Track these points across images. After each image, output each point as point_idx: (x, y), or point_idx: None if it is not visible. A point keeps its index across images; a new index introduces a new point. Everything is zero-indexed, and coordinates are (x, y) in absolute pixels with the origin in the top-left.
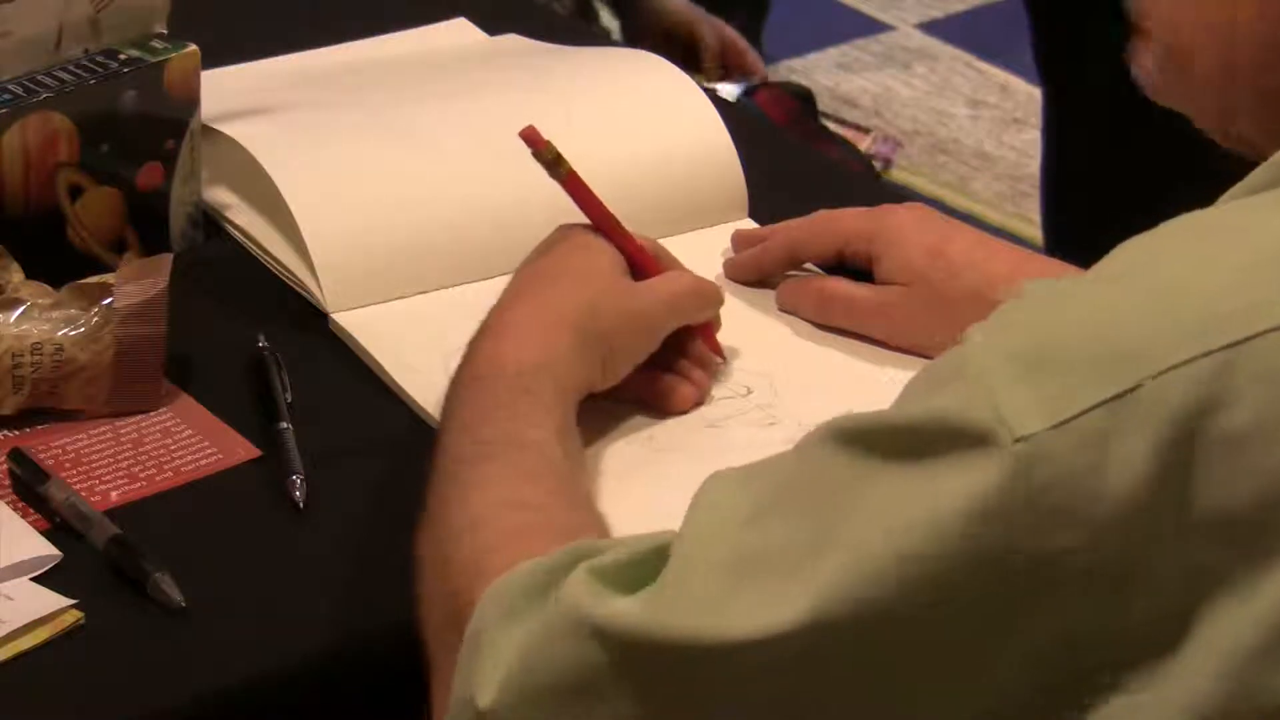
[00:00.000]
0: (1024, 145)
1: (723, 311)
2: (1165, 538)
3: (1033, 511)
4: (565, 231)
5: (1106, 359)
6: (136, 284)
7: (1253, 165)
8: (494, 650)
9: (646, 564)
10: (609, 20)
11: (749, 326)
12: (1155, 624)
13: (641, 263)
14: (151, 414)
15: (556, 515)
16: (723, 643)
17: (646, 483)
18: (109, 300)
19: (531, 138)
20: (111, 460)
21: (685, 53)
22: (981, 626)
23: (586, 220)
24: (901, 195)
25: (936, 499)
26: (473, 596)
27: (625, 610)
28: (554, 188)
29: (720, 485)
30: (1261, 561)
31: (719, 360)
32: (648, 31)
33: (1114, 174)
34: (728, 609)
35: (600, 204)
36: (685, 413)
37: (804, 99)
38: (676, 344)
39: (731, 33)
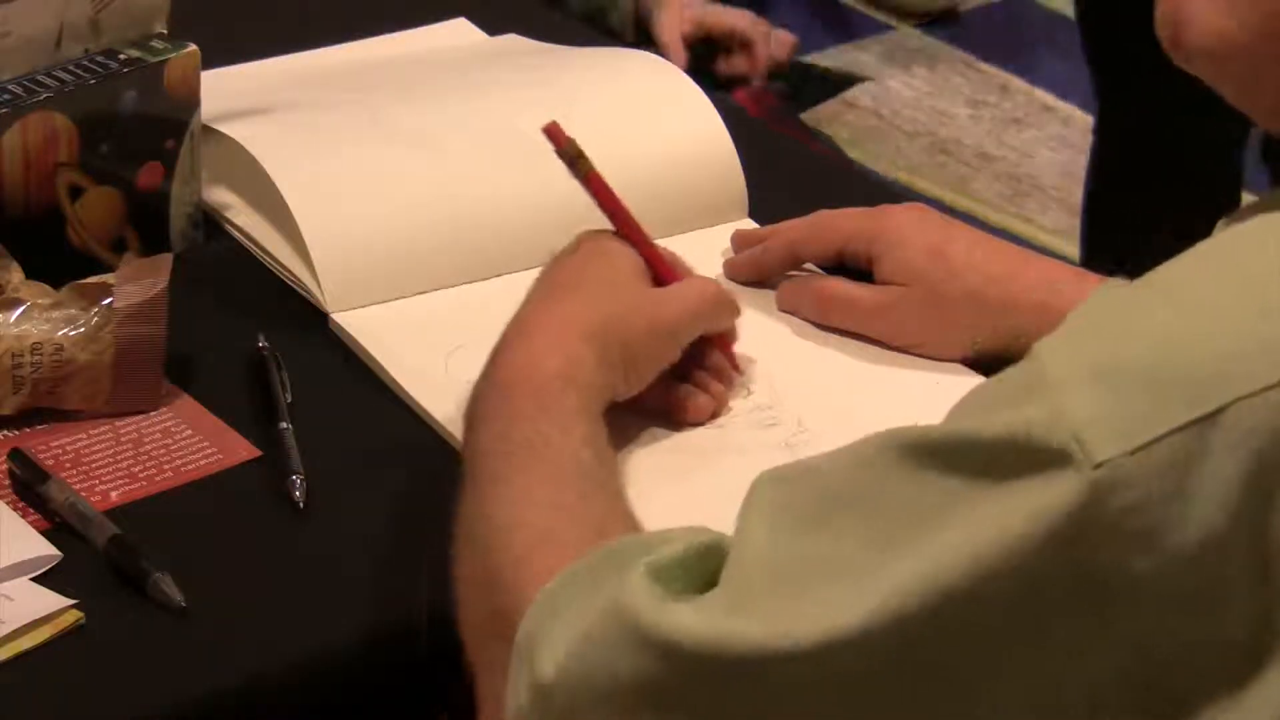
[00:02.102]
0: (1024, 145)
1: None
2: (1244, 565)
3: (1110, 536)
4: (587, 237)
5: (1189, 379)
6: (136, 284)
7: None
8: (549, 643)
9: (702, 563)
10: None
11: (749, 327)
12: (1229, 655)
13: (660, 268)
14: (151, 414)
15: (591, 517)
16: (784, 652)
17: (652, 482)
18: (109, 300)
19: (554, 133)
20: (111, 460)
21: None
22: (1053, 647)
23: (586, 219)
24: (901, 195)
25: (1011, 518)
26: (515, 603)
27: (685, 620)
28: (554, 187)
29: (774, 488)
30: None
31: (737, 373)
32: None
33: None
34: (789, 616)
35: (621, 205)
36: (701, 424)
37: (785, 98)
38: (694, 355)
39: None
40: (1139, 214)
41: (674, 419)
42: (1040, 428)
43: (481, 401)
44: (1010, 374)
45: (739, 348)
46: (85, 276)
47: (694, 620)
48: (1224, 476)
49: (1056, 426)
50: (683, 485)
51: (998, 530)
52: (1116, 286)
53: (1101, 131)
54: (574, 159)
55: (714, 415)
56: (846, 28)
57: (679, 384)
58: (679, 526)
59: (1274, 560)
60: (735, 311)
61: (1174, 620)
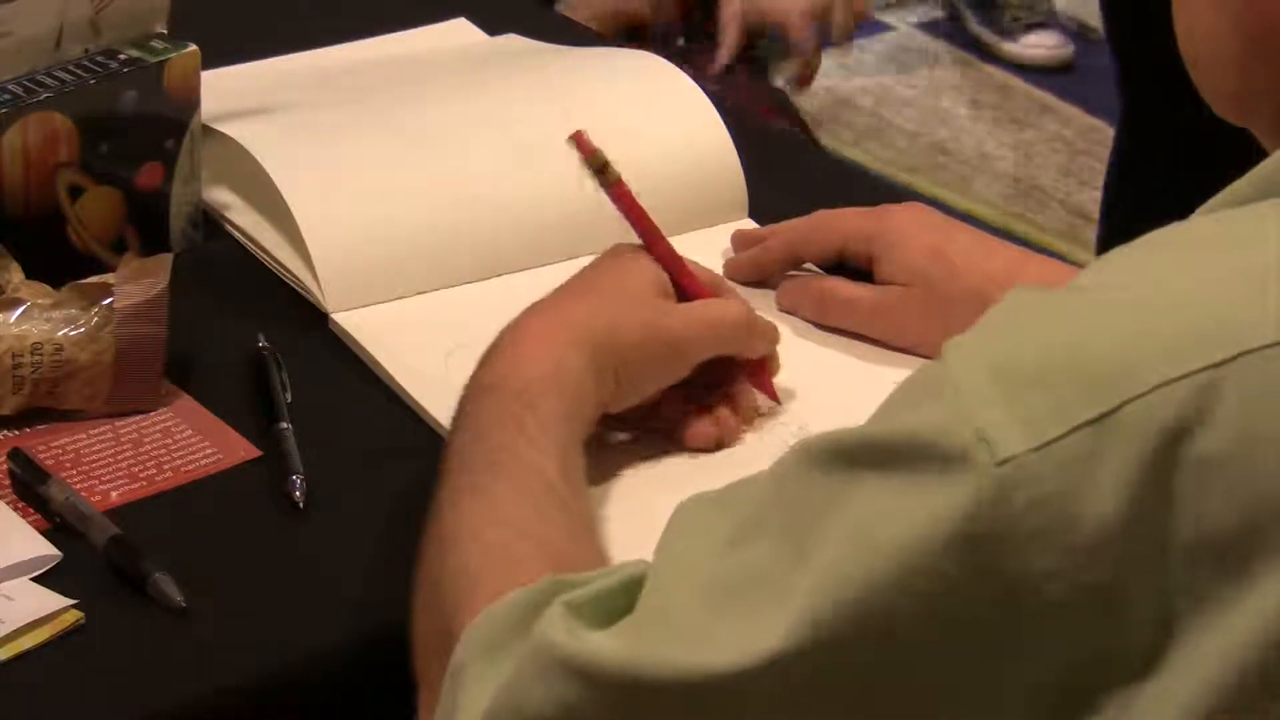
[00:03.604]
0: (1024, 145)
1: None
2: (1147, 560)
3: (1013, 535)
4: (613, 250)
5: (1089, 378)
6: (136, 284)
7: None
8: (475, 686)
9: (621, 595)
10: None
11: None
12: (1135, 648)
13: (687, 285)
14: (151, 414)
15: (547, 540)
16: (705, 674)
17: (648, 495)
18: (109, 300)
19: (581, 143)
20: (111, 460)
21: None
22: (966, 651)
23: (586, 219)
24: (901, 195)
25: (913, 518)
26: (459, 623)
27: (601, 646)
28: (554, 187)
29: (694, 511)
30: (1239, 586)
31: (767, 403)
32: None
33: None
34: (708, 639)
35: (646, 217)
36: (704, 450)
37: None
38: (717, 378)
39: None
40: (1159, 220)
41: (675, 440)
42: (943, 426)
43: (465, 404)
44: (918, 374)
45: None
46: (85, 276)
47: (607, 646)
48: (1122, 474)
49: (959, 425)
50: (679, 495)
51: (901, 531)
52: (1029, 289)
53: (1126, 134)
54: (600, 169)
55: (720, 445)
56: None
57: (687, 405)
58: (616, 564)
59: (1172, 558)
60: (768, 339)
61: (1079, 619)
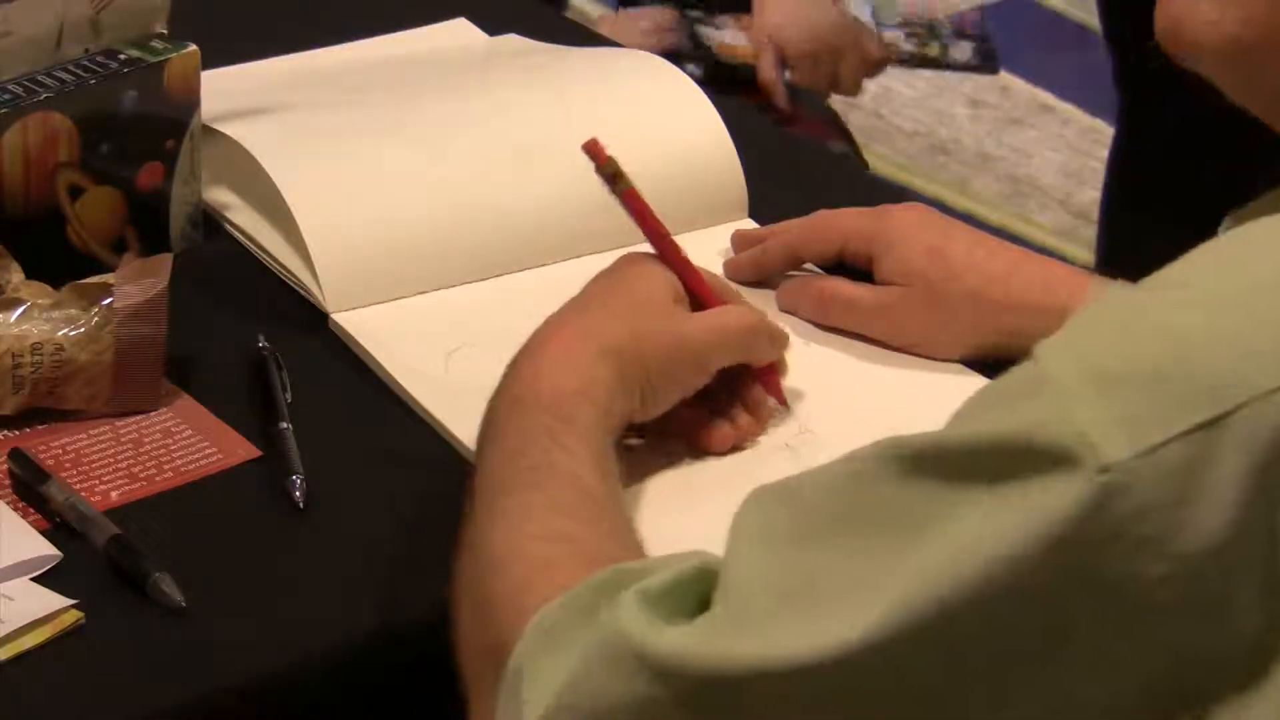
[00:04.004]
0: (1024, 145)
1: None
2: (1256, 566)
3: (1118, 541)
4: (626, 258)
5: (1197, 381)
6: (136, 284)
7: None
8: (540, 678)
9: (693, 587)
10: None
11: None
12: (1237, 660)
13: (700, 293)
14: (151, 414)
15: (591, 546)
16: (789, 666)
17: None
18: (109, 300)
19: (593, 151)
20: (111, 460)
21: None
22: (1061, 655)
23: (586, 218)
24: (901, 195)
25: (1014, 520)
26: (510, 635)
27: (681, 641)
28: (554, 187)
29: (764, 505)
30: None
31: (779, 407)
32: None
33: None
34: (793, 634)
35: (659, 225)
36: (722, 454)
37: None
38: (731, 384)
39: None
40: (1161, 214)
41: (696, 447)
42: (1043, 430)
43: (494, 417)
44: (1011, 376)
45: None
46: (85, 276)
47: (689, 642)
48: (1231, 480)
49: (1060, 428)
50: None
51: (1000, 536)
52: (1122, 288)
53: (1126, 129)
54: (613, 177)
55: (738, 448)
56: None
57: (706, 411)
58: (672, 553)
59: None
60: (780, 343)
61: (1186, 627)
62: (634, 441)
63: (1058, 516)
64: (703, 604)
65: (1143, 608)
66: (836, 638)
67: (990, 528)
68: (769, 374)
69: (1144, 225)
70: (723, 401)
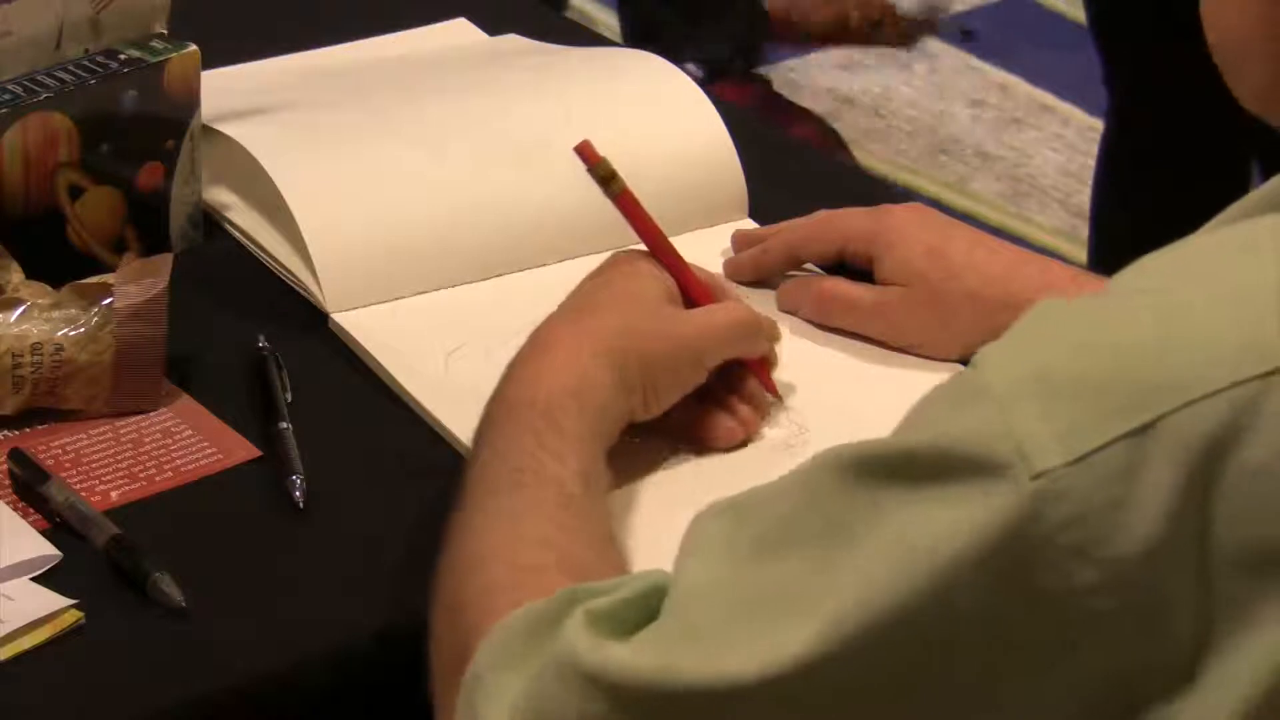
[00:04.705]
0: (1024, 145)
1: None
2: (1189, 571)
3: (1053, 549)
4: (618, 257)
5: (1128, 389)
6: (136, 284)
7: None
8: (492, 698)
9: (642, 605)
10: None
11: None
12: (1176, 659)
13: (693, 291)
14: (151, 414)
15: (568, 554)
16: (734, 684)
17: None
18: (109, 300)
19: (586, 152)
20: (111, 460)
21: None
22: (1001, 664)
23: (586, 219)
24: (901, 195)
25: (951, 530)
26: (477, 639)
27: (625, 658)
28: (554, 187)
29: (713, 522)
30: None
31: (772, 399)
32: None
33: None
34: (737, 649)
35: (653, 225)
36: (728, 450)
37: (762, 82)
38: (729, 379)
39: None
40: (1149, 215)
41: (701, 444)
42: (979, 438)
43: (487, 419)
44: (952, 383)
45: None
46: (85, 276)
47: (631, 657)
48: (1162, 486)
49: (996, 437)
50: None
51: (937, 544)
52: (1060, 299)
53: (1114, 130)
54: (606, 179)
55: (745, 442)
56: None
57: (709, 408)
58: (634, 572)
59: (1214, 568)
60: (772, 336)
61: (1120, 631)
62: (635, 441)
63: (992, 526)
64: (652, 620)
65: (1078, 616)
66: (775, 653)
67: (927, 538)
68: (760, 367)
69: (1134, 221)
70: (722, 397)
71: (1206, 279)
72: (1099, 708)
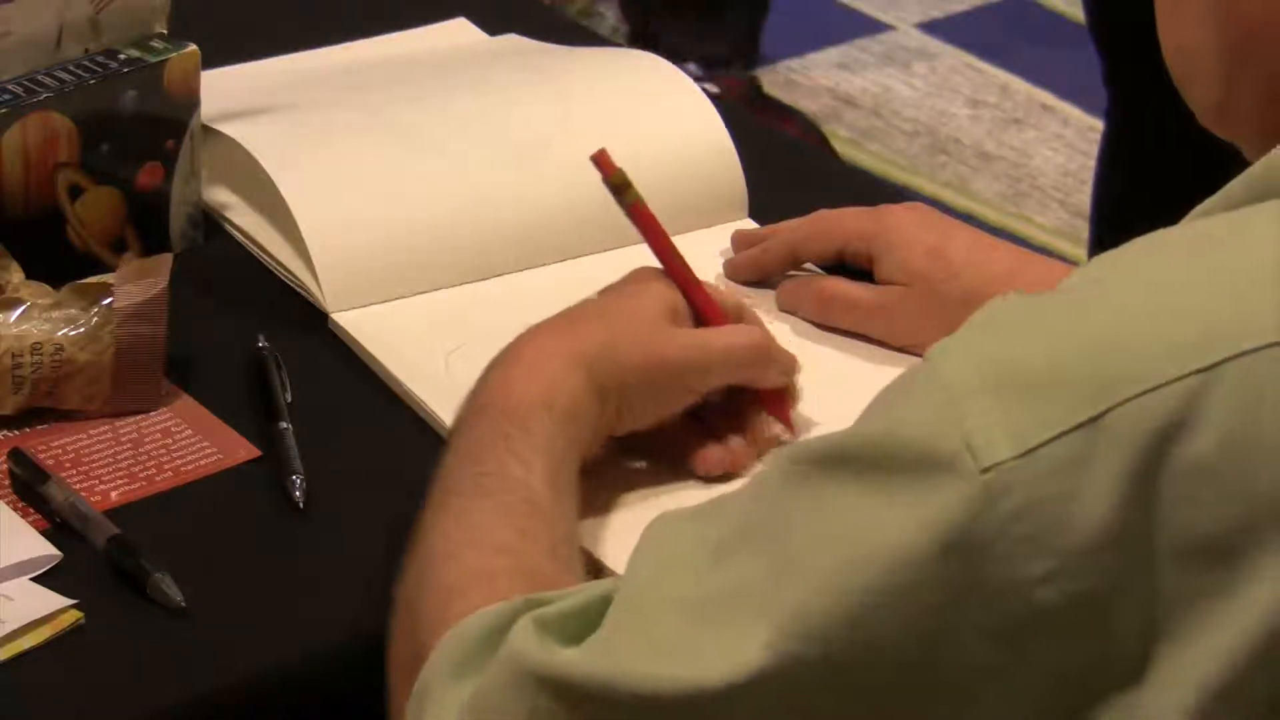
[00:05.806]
0: (1024, 145)
1: None
2: (1137, 564)
3: (1002, 541)
4: (637, 271)
5: (1076, 383)
6: (136, 284)
7: None
8: (441, 705)
9: (591, 612)
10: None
11: None
12: (1126, 652)
13: (704, 309)
14: (151, 414)
15: (527, 561)
16: (688, 689)
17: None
18: (109, 300)
19: (602, 162)
20: (111, 460)
21: None
22: (955, 659)
23: (587, 219)
24: (901, 195)
25: (901, 526)
26: (431, 642)
27: (575, 660)
28: (554, 187)
29: (668, 527)
30: (1230, 586)
31: (782, 434)
32: None
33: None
34: (690, 653)
35: (666, 238)
36: (713, 479)
37: (750, 80)
38: (734, 408)
39: None
40: (1148, 215)
41: (684, 467)
42: (930, 432)
43: (460, 421)
44: (905, 378)
45: None
46: (85, 276)
47: (582, 661)
48: (1110, 478)
49: (948, 431)
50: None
51: (886, 539)
52: (1015, 293)
53: (1114, 130)
54: (620, 188)
55: (733, 474)
56: (846, 27)
57: (697, 431)
58: (588, 582)
59: (1161, 561)
60: (785, 368)
61: (1070, 625)
62: (637, 464)
63: (943, 519)
64: (597, 629)
65: (1026, 609)
66: (732, 657)
67: (873, 528)
68: (775, 399)
69: (1134, 220)
70: (718, 424)
71: (1158, 273)
72: (1053, 704)
